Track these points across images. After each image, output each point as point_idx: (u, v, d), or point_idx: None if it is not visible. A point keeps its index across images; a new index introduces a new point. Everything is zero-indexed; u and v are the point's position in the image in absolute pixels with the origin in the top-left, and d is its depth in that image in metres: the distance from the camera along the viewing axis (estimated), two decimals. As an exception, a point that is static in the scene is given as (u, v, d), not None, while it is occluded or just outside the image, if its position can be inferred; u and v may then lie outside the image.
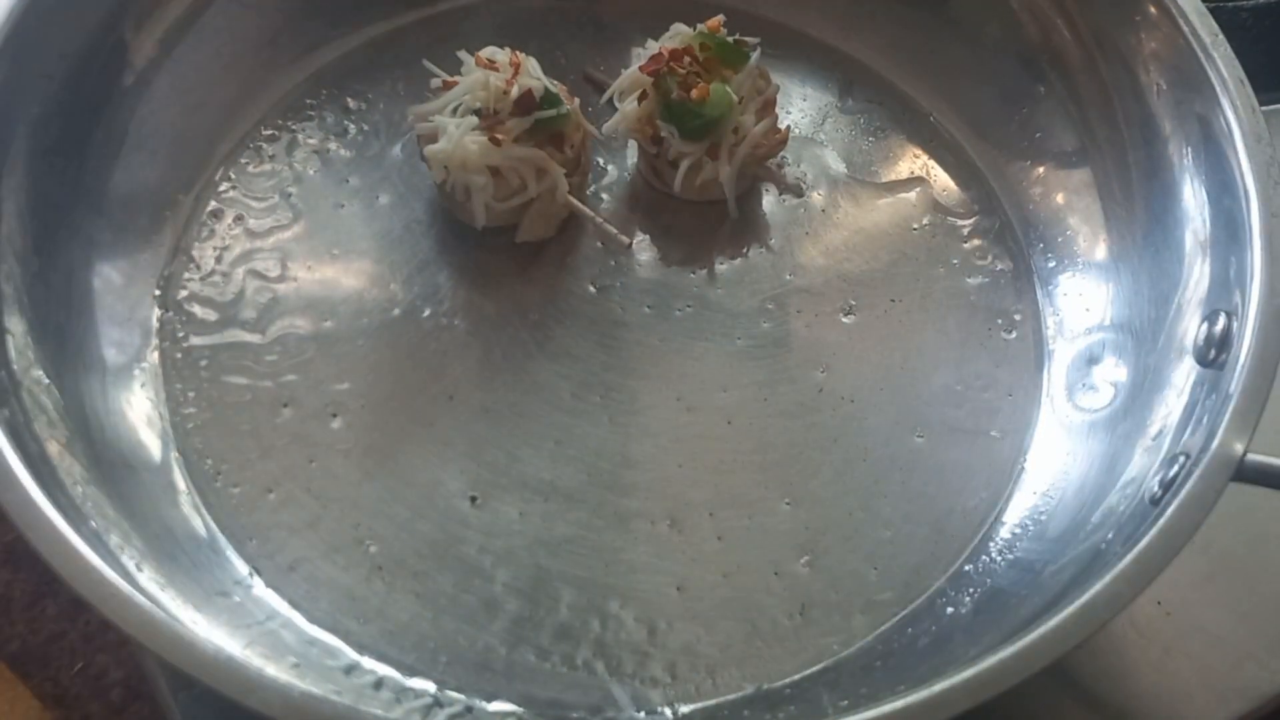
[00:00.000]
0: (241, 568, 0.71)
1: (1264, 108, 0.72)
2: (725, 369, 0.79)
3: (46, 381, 0.69)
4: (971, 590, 0.71)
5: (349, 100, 0.90)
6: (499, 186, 0.79)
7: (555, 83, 0.81)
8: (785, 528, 0.74)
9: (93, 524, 0.62)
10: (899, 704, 0.54)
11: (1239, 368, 0.64)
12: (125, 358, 0.77)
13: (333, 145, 0.88)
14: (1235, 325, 0.67)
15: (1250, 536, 0.75)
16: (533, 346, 0.80)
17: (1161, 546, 0.59)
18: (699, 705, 0.68)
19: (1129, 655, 0.72)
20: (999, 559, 0.73)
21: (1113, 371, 0.77)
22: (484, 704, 0.67)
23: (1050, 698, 0.71)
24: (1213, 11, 0.76)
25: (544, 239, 0.84)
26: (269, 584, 0.70)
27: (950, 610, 0.71)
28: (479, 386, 0.78)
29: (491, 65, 0.80)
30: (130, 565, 0.62)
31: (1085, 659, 0.71)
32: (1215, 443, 0.61)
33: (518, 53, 0.81)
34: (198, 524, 0.72)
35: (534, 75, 0.81)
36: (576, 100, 0.83)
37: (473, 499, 0.74)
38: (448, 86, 0.81)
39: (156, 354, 0.78)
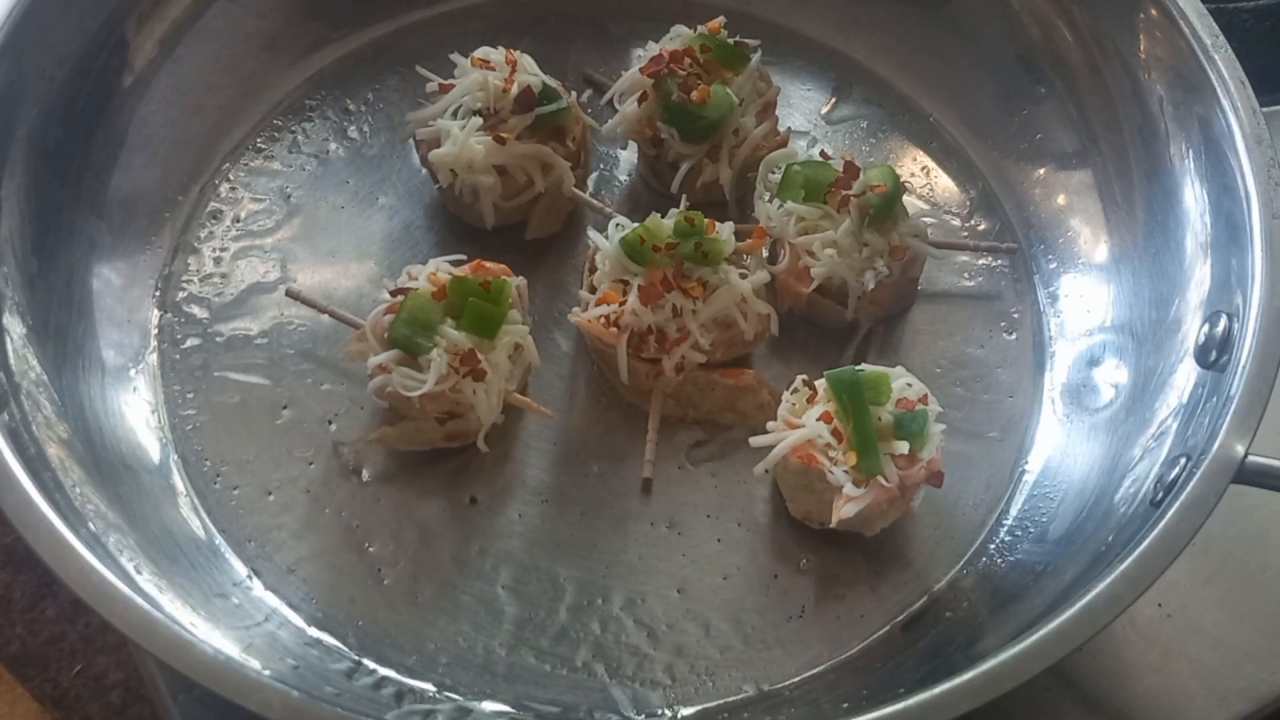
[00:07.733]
0: (240, 569, 0.71)
1: (1264, 109, 0.72)
2: (725, 370, 0.79)
3: (46, 383, 0.69)
4: (972, 592, 0.71)
5: (349, 101, 0.90)
6: (506, 185, 0.79)
7: (550, 78, 0.82)
8: (785, 530, 0.74)
9: (92, 526, 0.62)
10: (899, 706, 0.54)
11: (1240, 369, 0.64)
12: (124, 359, 0.77)
13: (332, 146, 0.88)
14: (1236, 327, 0.66)
15: (1251, 538, 0.75)
16: (532, 348, 0.80)
17: (1162, 548, 0.59)
18: (699, 707, 0.68)
19: (1129, 656, 0.72)
20: (1000, 560, 0.73)
21: (1114, 373, 0.77)
22: (484, 706, 0.67)
23: (1050, 699, 0.70)
24: (1213, 13, 0.76)
25: (551, 235, 0.84)
26: (268, 585, 0.70)
27: (950, 613, 0.71)
28: (479, 388, 0.78)
29: (487, 65, 0.80)
30: (129, 567, 0.62)
31: (1086, 660, 0.71)
32: (1216, 444, 0.61)
33: (512, 50, 0.82)
34: (196, 526, 0.72)
35: (531, 72, 0.81)
36: (573, 93, 0.83)
37: (472, 499, 0.74)
38: (444, 90, 0.81)
39: (155, 355, 0.78)
